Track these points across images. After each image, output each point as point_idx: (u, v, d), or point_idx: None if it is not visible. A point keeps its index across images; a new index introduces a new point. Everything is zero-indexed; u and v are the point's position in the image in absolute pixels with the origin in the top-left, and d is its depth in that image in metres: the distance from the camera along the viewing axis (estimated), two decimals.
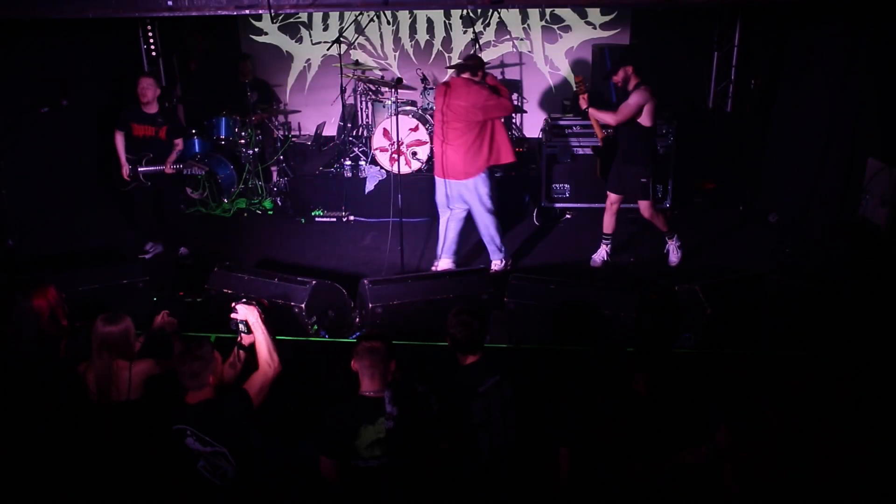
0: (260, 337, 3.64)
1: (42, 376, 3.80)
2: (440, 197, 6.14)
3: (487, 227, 6.11)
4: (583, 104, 6.07)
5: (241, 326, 3.68)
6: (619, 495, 3.31)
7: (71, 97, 7.54)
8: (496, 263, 6.23)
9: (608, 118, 6.00)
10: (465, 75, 5.87)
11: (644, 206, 6.15)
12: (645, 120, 5.89)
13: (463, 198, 6.04)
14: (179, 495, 3.44)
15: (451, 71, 9.01)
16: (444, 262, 6.24)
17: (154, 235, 6.78)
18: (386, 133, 7.48)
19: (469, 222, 6.20)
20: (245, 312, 3.69)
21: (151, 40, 8.88)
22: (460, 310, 3.62)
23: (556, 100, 9.02)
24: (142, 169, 6.39)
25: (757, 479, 2.70)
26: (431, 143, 7.50)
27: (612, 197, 6.31)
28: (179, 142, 6.48)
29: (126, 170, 6.41)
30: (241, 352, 3.74)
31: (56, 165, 7.65)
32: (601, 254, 6.45)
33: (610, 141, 6.30)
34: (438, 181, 6.10)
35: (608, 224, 6.38)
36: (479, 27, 9.12)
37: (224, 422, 3.32)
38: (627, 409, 3.43)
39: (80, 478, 3.56)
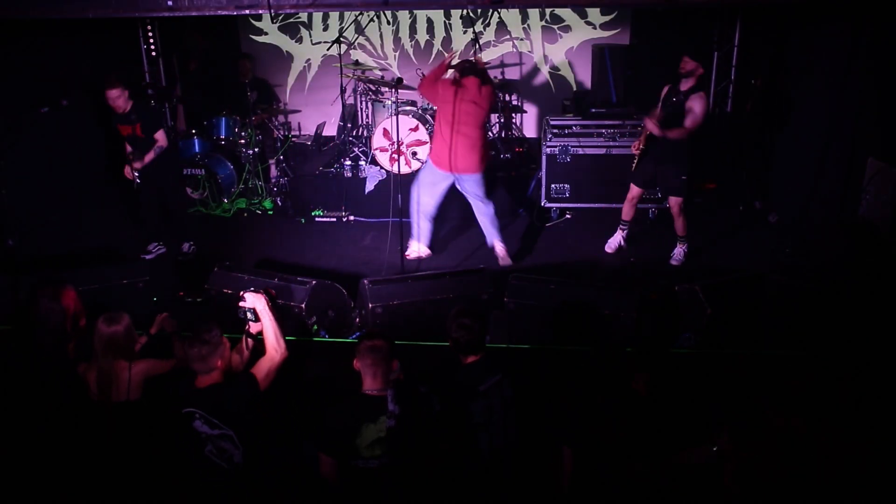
0: (267, 323, 3.71)
1: (55, 376, 3.81)
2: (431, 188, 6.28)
3: (491, 214, 6.33)
4: (656, 131, 5.92)
5: (249, 315, 3.78)
6: (619, 495, 3.31)
7: (71, 97, 7.54)
8: (501, 248, 6.37)
9: (682, 133, 5.90)
10: (475, 78, 6.00)
11: (675, 203, 6.21)
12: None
13: (467, 190, 6.23)
14: (187, 480, 3.47)
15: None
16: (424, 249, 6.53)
17: (159, 236, 6.78)
18: (386, 133, 7.48)
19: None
20: (253, 300, 3.78)
21: (151, 40, 8.89)
22: (460, 311, 3.62)
23: (556, 100, 9.02)
24: (136, 165, 6.41)
25: (757, 480, 2.70)
26: (432, 142, 7.53)
27: (635, 191, 6.42)
28: (160, 136, 6.40)
29: (128, 169, 6.43)
30: (248, 339, 3.82)
31: (56, 165, 7.65)
32: (616, 239, 6.61)
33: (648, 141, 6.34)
34: (441, 175, 6.16)
35: (627, 213, 6.54)
36: (479, 27, 9.12)
37: (232, 405, 3.38)
38: (627, 409, 3.43)
39: (81, 478, 3.57)
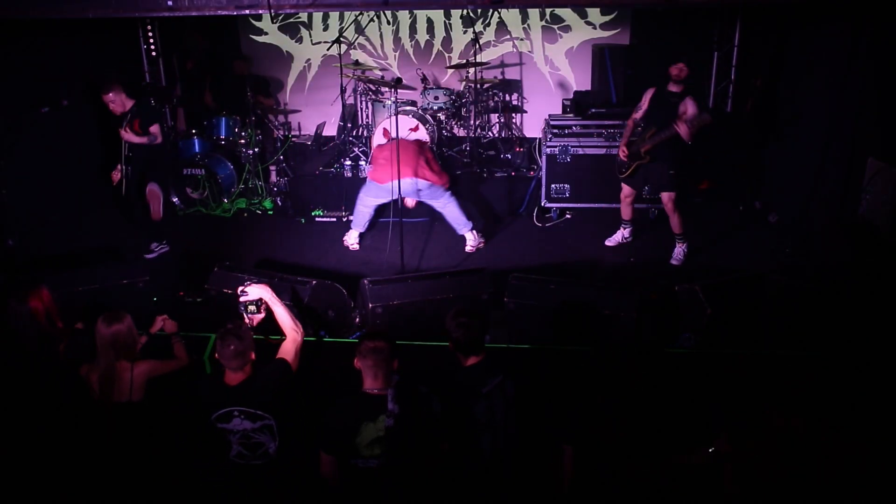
0: (279, 308, 3.80)
1: (43, 378, 3.81)
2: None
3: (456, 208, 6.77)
4: (689, 138, 5.98)
5: (251, 307, 3.83)
6: (620, 495, 3.31)
7: (71, 97, 7.53)
8: (473, 238, 6.76)
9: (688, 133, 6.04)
10: None
11: (668, 198, 6.24)
12: None
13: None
14: (190, 480, 3.49)
15: (450, 71, 9.06)
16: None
17: (160, 235, 6.78)
18: (386, 133, 7.46)
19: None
20: (259, 291, 3.85)
21: (151, 40, 8.88)
22: (458, 311, 3.63)
23: (556, 100, 9.02)
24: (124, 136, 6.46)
25: (757, 480, 2.70)
26: (430, 143, 7.52)
27: (626, 190, 6.57)
28: (155, 130, 6.46)
29: (116, 173, 6.55)
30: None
31: (56, 165, 7.64)
32: (618, 236, 6.76)
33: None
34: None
35: (626, 212, 6.71)
36: (479, 27, 9.12)
37: (270, 392, 3.45)
38: (627, 408, 3.43)
39: (82, 479, 3.57)
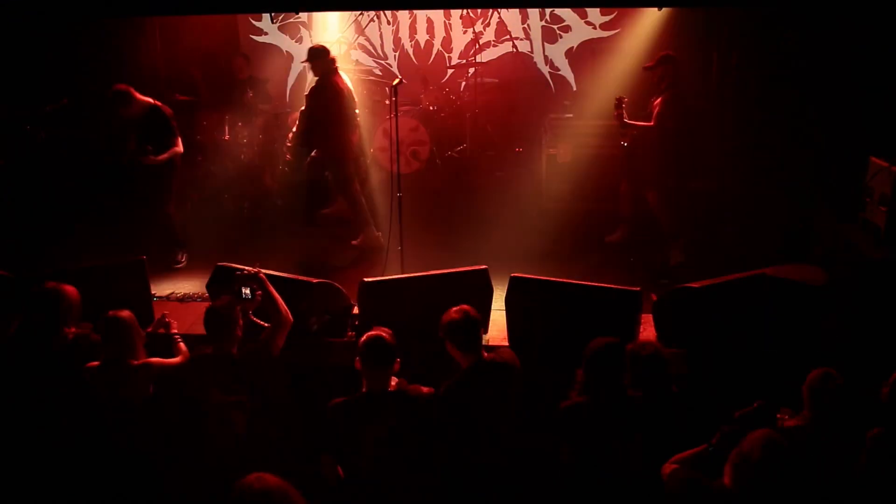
0: (272, 295, 3.93)
1: (47, 376, 3.82)
2: None
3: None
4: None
5: (246, 292, 3.97)
6: (620, 495, 3.32)
7: (74, 96, 7.52)
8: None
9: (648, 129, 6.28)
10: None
11: (651, 197, 6.27)
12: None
13: None
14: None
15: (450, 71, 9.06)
16: None
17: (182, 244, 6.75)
18: (386, 133, 7.48)
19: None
20: (255, 279, 3.98)
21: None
22: (457, 310, 3.65)
23: (556, 100, 9.01)
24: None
25: (756, 480, 2.71)
26: (430, 144, 7.53)
27: (625, 186, 6.63)
28: (178, 142, 6.42)
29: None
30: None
31: (63, 173, 7.59)
32: (619, 232, 6.75)
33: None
34: None
35: (625, 209, 6.70)
36: (479, 27, 9.11)
37: (247, 372, 3.59)
38: (627, 408, 3.44)
39: (86, 478, 3.58)
